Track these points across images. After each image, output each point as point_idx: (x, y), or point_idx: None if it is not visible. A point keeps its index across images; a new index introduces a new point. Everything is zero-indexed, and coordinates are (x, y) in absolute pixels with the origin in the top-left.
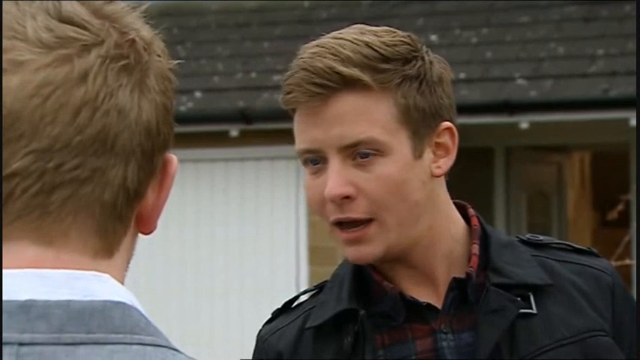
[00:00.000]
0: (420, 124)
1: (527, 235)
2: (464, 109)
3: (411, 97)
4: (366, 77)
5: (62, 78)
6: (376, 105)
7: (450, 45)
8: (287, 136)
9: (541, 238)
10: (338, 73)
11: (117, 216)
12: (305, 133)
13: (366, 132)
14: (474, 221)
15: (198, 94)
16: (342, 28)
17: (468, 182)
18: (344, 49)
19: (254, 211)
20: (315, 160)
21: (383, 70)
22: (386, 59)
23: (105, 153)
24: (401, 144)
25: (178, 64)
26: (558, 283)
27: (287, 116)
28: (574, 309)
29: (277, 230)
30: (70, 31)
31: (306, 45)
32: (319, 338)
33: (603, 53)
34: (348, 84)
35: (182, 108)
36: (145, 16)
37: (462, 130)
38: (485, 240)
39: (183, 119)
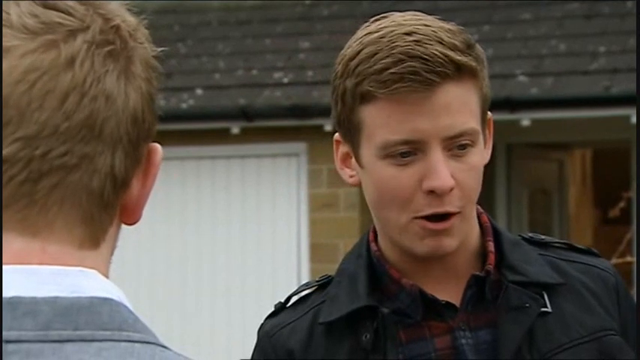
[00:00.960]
0: (485, 113)
1: (530, 234)
2: None
3: (486, 87)
4: (478, 66)
5: (49, 63)
6: (470, 94)
7: None
8: (288, 133)
9: (543, 237)
10: (454, 61)
11: (103, 205)
12: (405, 124)
13: (469, 122)
14: (484, 218)
15: (199, 92)
16: (344, 25)
17: None
18: (443, 36)
19: (255, 208)
20: (408, 152)
21: (475, 58)
22: (471, 46)
23: (93, 139)
24: (480, 133)
25: (179, 61)
26: (568, 282)
27: (288, 114)
28: (585, 308)
29: (279, 228)
30: (54, 16)
31: (378, 34)
32: (331, 334)
33: (605, 50)
34: (459, 72)
35: (183, 105)
36: (145, 13)
37: None
38: (496, 237)
39: (184, 116)
